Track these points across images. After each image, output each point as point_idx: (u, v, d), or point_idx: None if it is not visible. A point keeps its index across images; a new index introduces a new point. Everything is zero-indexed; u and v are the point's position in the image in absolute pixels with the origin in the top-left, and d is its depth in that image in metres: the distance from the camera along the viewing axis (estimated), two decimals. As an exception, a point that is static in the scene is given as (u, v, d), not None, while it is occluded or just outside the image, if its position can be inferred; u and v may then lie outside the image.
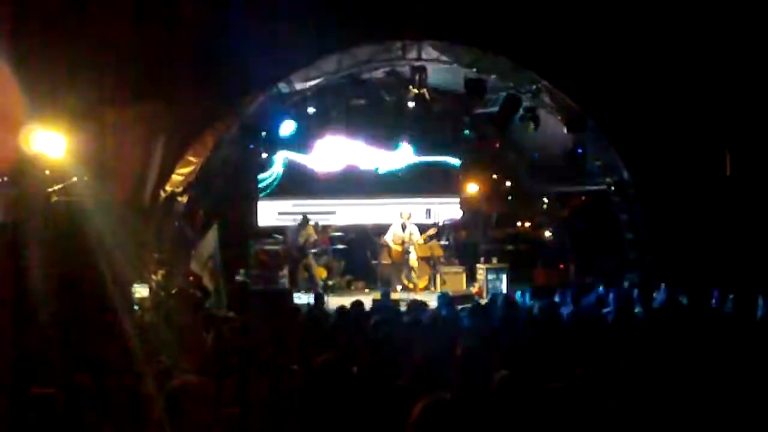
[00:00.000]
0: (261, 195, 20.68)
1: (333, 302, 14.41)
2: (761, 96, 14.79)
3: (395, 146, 21.25)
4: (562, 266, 20.29)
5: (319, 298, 14.27)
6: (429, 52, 16.66)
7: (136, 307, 13.28)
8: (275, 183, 20.83)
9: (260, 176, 20.57)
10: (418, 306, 12.26)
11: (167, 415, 3.75)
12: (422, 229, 19.22)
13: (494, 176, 23.02)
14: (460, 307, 13.19)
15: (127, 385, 6.25)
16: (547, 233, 22.62)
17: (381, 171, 21.31)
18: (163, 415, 3.76)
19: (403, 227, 18.84)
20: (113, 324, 9.87)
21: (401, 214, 18.97)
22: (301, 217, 19.31)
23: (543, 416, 5.11)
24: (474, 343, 6.50)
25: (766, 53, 14.52)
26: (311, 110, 17.14)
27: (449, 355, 6.27)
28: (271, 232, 20.34)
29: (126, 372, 6.88)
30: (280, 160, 20.64)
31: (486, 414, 4.79)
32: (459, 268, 19.72)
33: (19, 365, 7.34)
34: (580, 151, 17.89)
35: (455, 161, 22.00)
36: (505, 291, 17.74)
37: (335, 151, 20.70)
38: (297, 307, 13.85)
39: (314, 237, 18.86)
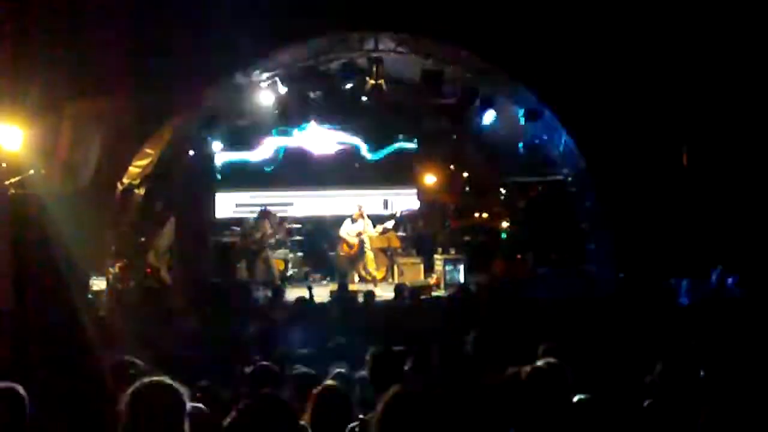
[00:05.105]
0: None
1: (291, 294, 14.40)
2: (721, 87, 14.92)
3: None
4: (519, 257, 20.34)
5: (278, 292, 14.25)
6: (386, 43, 16.63)
7: (93, 300, 13.20)
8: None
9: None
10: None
11: (132, 416, 3.70)
12: (379, 220, 19.25)
13: (452, 167, 23.08)
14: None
15: (84, 379, 6.19)
16: (505, 224, 22.68)
17: (336, 162, 21.32)
18: (128, 414, 3.70)
19: (358, 219, 18.88)
20: (70, 317, 9.81)
21: (359, 207, 19.05)
22: (259, 209, 19.25)
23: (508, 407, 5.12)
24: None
25: (725, 47, 14.66)
26: (267, 101, 16.96)
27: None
28: (228, 224, 20.27)
29: (83, 365, 6.83)
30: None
31: (451, 406, 4.80)
32: (417, 259, 19.72)
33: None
34: (537, 141, 17.98)
35: (412, 145, 21.98)
36: (462, 281, 17.82)
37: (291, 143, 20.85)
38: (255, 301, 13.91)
39: (272, 229, 18.80)
